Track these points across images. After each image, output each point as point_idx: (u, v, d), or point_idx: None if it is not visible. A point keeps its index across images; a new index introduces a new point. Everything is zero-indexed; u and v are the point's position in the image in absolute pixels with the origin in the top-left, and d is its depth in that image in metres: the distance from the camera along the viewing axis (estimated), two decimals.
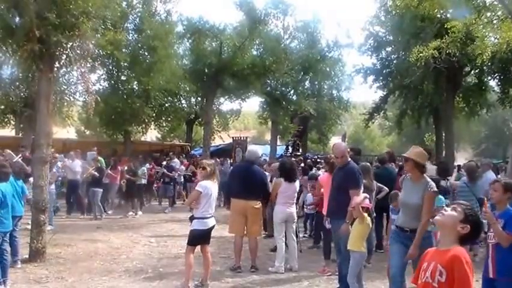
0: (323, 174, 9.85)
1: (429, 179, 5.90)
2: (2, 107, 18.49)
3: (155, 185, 19.26)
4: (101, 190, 14.89)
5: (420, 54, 12.81)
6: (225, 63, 20.28)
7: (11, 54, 8.95)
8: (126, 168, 16.35)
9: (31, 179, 11.95)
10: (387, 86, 24.84)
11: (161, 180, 18.38)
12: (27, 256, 8.91)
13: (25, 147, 15.78)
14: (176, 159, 19.95)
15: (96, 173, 14.82)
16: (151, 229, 13.15)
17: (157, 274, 8.36)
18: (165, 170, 18.06)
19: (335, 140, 27.87)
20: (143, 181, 16.61)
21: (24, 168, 12.44)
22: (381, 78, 24.84)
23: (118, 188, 16.29)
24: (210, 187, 7.37)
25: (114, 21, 18.66)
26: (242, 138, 25.66)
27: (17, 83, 15.72)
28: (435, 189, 5.87)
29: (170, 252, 10.18)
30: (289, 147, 27.66)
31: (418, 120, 25.65)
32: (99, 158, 16.51)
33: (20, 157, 13.06)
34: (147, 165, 18.09)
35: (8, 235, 7.64)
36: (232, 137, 24.58)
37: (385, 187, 9.46)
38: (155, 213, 16.30)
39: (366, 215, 6.44)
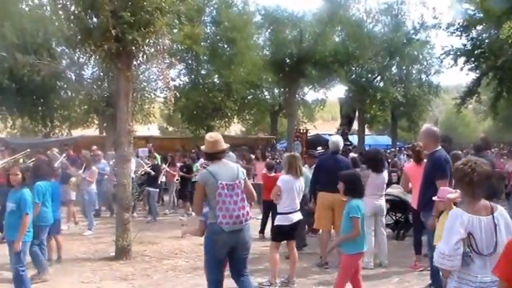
0: (408, 165, 9.33)
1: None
2: (85, 107, 19.08)
3: None
4: (158, 190, 14.07)
5: None
6: (306, 52, 19.93)
7: (90, 54, 8.99)
8: (181, 164, 15.21)
9: (73, 179, 11.78)
10: (479, 68, 23.39)
11: None
12: (113, 254, 9.09)
13: (69, 146, 15.93)
14: None
15: (152, 171, 13.72)
16: None
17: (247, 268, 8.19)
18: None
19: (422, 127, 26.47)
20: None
21: (67, 168, 12.16)
22: (472, 59, 23.42)
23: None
24: (291, 181, 7.19)
25: (190, 15, 18.75)
26: (301, 131, 24.56)
27: (99, 83, 16.08)
28: (198, 178, 5.70)
29: (255, 249, 9.90)
30: None
31: None
32: (155, 154, 15.50)
33: (64, 157, 13.14)
34: (201, 160, 16.48)
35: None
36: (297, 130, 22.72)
37: None
38: None
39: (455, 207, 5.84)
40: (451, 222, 3.54)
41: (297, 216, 7.21)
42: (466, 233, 3.44)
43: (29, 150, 11.38)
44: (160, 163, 15.12)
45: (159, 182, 14.35)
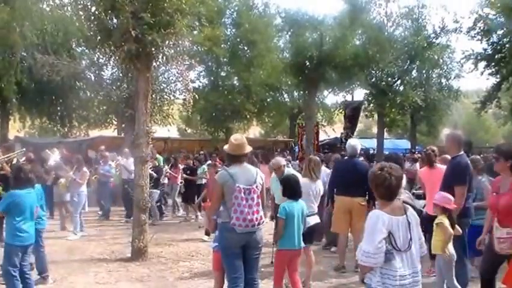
0: (422, 169, 9.27)
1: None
2: (104, 107, 19.18)
3: None
4: (158, 192, 13.53)
5: None
6: (327, 55, 19.68)
7: (110, 55, 9.01)
8: (184, 166, 14.86)
9: (62, 180, 11.56)
10: (499, 73, 23.12)
11: None
12: (129, 255, 9.08)
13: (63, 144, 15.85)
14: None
15: (153, 172, 12.66)
16: None
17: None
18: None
19: (445, 132, 26.18)
20: (204, 181, 14.18)
21: (61, 168, 11.92)
22: (493, 64, 23.17)
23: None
24: (307, 184, 7.18)
25: (210, 17, 18.78)
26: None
27: (118, 84, 16.14)
28: (217, 178, 5.69)
29: (272, 251, 9.86)
30: (342, 140, 26.05)
31: None
32: (157, 156, 14.81)
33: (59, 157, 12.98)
34: (209, 162, 15.86)
35: (28, 250, 6.50)
36: (297, 124, 22.35)
37: None
38: None
39: (442, 216, 5.92)
40: (373, 223, 3.76)
41: (314, 220, 7.13)
42: (387, 232, 3.71)
43: (24, 149, 11.17)
44: (162, 164, 14.90)
45: (161, 183, 13.95)
